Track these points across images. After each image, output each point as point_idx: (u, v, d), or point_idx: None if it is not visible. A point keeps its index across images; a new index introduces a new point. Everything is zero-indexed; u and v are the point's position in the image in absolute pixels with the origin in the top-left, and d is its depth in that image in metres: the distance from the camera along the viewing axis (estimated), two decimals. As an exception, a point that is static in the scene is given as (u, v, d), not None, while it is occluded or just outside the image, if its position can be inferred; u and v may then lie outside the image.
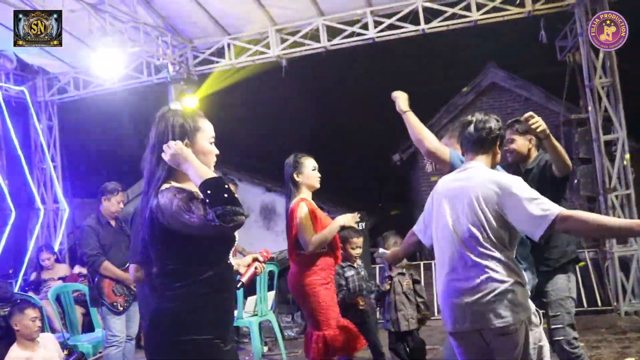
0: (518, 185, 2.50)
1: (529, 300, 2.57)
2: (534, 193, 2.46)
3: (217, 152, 2.25)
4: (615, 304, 6.65)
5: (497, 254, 2.48)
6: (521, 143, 3.60)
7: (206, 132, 2.21)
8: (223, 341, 2.13)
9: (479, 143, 2.68)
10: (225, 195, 1.95)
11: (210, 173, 2.04)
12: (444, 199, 2.66)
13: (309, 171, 3.90)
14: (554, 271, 3.50)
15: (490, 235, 2.48)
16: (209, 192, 1.96)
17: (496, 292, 2.44)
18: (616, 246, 6.67)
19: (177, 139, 2.12)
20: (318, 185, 3.95)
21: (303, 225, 3.71)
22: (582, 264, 6.56)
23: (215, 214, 1.92)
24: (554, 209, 2.36)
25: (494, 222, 2.48)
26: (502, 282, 2.45)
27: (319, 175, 3.94)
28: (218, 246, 2.15)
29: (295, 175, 3.87)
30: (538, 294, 3.56)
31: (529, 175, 3.52)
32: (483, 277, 2.46)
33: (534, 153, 3.63)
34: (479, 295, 2.46)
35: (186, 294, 2.07)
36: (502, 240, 2.50)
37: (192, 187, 2.10)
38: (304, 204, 3.77)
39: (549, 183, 3.37)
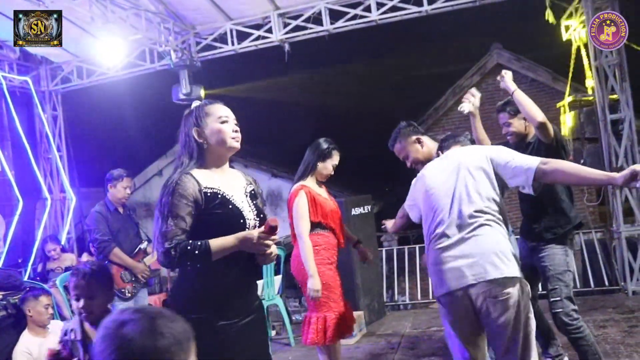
0: (501, 148, 2.85)
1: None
2: (516, 152, 2.77)
3: (235, 129, 2.35)
4: (622, 283, 6.65)
5: (493, 214, 2.67)
6: (518, 124, 3.75)
7: (213, 114, 2.33)
8: (221, 319, 2.19)
9: (455, 137, 3.18)
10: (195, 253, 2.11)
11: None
12: (435, 175, 2.87)
13: (330, 166, 3.92)
14: (549, 244, 3.57)
15: (486, 196, 2.69)
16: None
17: (494, 247, 2.59)
18: (623, 226, 6.64)
19: (189, 131, 2.30)
20: (325, 180, 3.98)
21: (299, 214, 3.73)
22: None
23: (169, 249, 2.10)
24: (534, 160, 2.62)
25: (488, 183, 2.71)
26: (499, 237, 2.63)
27: (333, 172, 3.96)
28: (223, 232, 2.19)
29: (317, 163, 3.87)
30: (535, 268, 3.63)
31: (529, 148, 3.61)
32: (481, 236, 2.62)
33: (531, 128, 3.68)
34: (478, 251, 2.59)
35: (186, 273, 2.23)
36: (495, 201, 2.71)
37: (215, 177, 2.27)
38: (303, 192, 3.76)
39: (543, 150, 3.48)
